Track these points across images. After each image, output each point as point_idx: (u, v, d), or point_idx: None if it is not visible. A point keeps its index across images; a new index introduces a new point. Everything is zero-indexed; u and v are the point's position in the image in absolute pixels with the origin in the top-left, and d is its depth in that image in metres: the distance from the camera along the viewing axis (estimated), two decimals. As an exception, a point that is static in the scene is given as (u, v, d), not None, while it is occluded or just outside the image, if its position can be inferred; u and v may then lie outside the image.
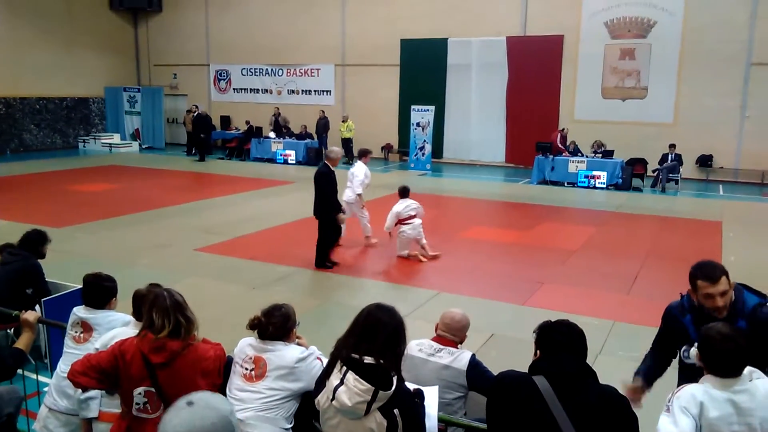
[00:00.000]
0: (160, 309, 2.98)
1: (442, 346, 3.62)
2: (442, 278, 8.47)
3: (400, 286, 8.12)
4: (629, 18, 18.48)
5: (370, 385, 2.59)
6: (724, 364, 2.61)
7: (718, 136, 17.73)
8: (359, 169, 9.77)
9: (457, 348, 3.67)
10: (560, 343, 2.69)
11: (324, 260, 8.71)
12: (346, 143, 20.66)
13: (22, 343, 3.57)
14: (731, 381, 2.58)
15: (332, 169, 8.55)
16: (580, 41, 19.06)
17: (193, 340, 3.02)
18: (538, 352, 2.73)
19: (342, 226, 9.20)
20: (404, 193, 9.49)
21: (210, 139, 21.61)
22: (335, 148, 8.91)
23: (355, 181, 9.69)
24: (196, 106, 22.12)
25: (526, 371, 2.69)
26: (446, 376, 3.49)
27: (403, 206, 9.27)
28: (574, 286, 8.14)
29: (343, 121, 20.74)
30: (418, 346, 3.66)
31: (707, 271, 3.11)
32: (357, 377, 2.61)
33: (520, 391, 2.56)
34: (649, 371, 3.48)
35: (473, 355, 3.60)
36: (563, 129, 18.20)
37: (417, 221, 9.18)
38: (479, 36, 20.19)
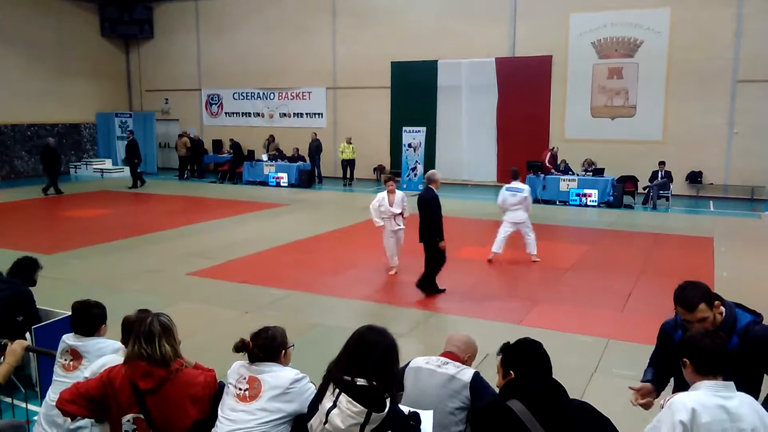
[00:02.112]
0: (141, 336, 2.96)
1: (449, 360, 3.59)
2: (436, 299, 8.44)
3: (393, 307, 8.09)
4: (616, 38, 18.73)
5: (363, 408, 2.57)
6: (711, 360, 2.66)
7: (706, 153, 17.90)
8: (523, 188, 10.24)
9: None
10: (534, 362, 2.68)
11: (434, 286, 8.51)
12: (348, 164, 20.72)
13: (0, 374, 3.50)
14: (721, 386, 2.62)
15: (437, 192, 8.56)
16: (569, 61, 19.29)
17: (179, 365, 2.98)
18: (511, 372, 2.70)
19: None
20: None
21: (137, 167, 20.19)
22: (436, 171, 8.96)
23: (528, 200, 10.22)
24: (131, 131, 21.76)
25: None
26: (451, 386, 3.44)
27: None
28: (568, 305, 8.14)
29: (348, 143, 20.84)
30: (426, 359, 3.62)
31: (685, 299, 3.17)
32: (350, 399, 2.59)
33: (499, 421, 2.51)
34: (654, 378, 3.49)
35: (477, 372, 3.56)
36: (553, 148, 18.34)
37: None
38: (469, 58, 20.41)
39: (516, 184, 10.48)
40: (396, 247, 9.61)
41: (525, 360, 2.70)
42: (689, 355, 2.72)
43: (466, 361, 3.63)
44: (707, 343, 2.70)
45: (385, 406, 2.61)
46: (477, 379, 3.45)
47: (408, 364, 3.52)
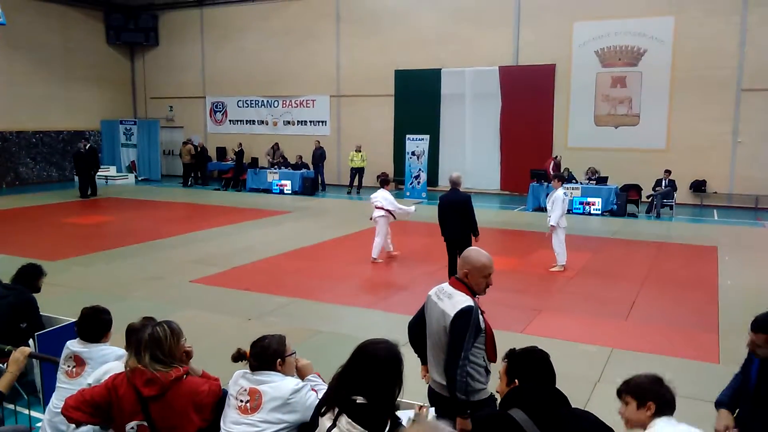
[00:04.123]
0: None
1: (451, 290, 3.51)
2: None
3: (396, 315, 8.05)
4: (619, 47, 18.75)
5: (362, 429, 2.55)
6: (672, 402, 2.67)
7: (710, 162, 17.87)
8: (559, 193, 10.31)
9: (468, 294, 3.46)
10: (539, 372, 2.66)
11: None
12: (357, 172, 20.73)
13: (3, 383, 3.50)
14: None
15: None
16: (572, 70, 19.31)
17: (179, 373, 2.99)
18: (515, 380, 2.69)
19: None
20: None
21: (95, 176, 20.18)
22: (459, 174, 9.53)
23: (561, 205, 10.19)
24: (86, 140, 21.47)
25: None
26: (442, 322, 3.43)
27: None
28: (571, 313, 8.11)
29: (357, 151, 20.83)
30: (436, 289, 3.63)
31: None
32: (349, 420, 2.56)
33: (501, 430, 2.50)
34: (733, 394, 3.34)
35: (468, 307, 3.37)
36: (556, 156, 18.32)
37: None
38: (472, 66, 20.45)
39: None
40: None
41: (530, 369, 2.69)
42: (654, 399, 2.67)
43: (465, 278, 3.50)
44: (666, 390, 2.70)
45: (385, 426, 2.59)
46: (460, 314, 3.35)
47: None
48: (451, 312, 3.39)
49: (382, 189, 11.04)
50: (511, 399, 2.60)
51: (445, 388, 3.40)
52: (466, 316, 3.34)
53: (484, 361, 3.47)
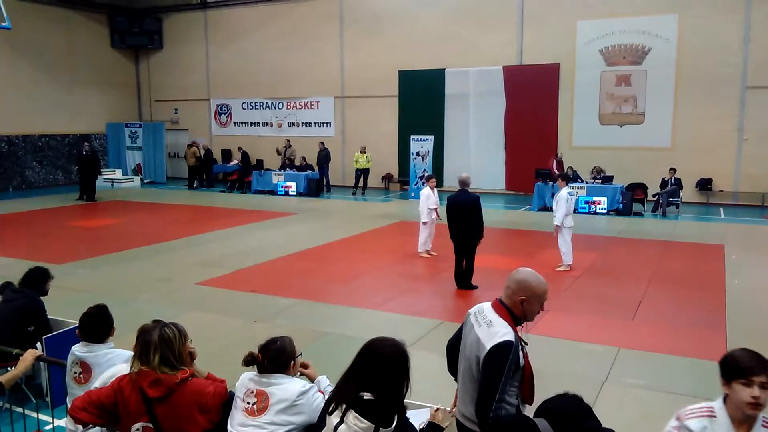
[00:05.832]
0: (139, 348, 3.03)
1: (492, 316, 3.08)
2: (445, 307, 8.43)
3: (402, 315, 8.07)
4: (624, 45, 18.71)
5: (370, 423, 2.55)
6: None
7: (716, 160, 17.82)
8: (564, 193, 10.26)
9: (511, 324, 3.03)
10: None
11: (471, 282, 9.22)
12: (362, 173, 20.79)
13: (5, 377, 3.55)
14: None
15: None
16: (576, 69, 19.28)
17: (184, 375, 3.00)
18: None
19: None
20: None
21: (91, 180, 19.80)
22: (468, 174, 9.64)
23: (566, 205, 10.14)
24: (87, 143, 21.44)
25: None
26: (475, 350, 3.04)
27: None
28: (577, 313, 8.09)
29: (361, 152, 20.86)
30: (476, 308, 3.23)
31: None
32: (357, 415, 2.58)
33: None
34: None
35: (507, 342, 2.93)
36: (558, 154, 18.30)
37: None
38: (476, 66, 20.44)
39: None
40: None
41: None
42: None
43: (518, 306, 3.08)
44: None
45: (393, 421, 2.60)
46: (493, 351, 2.95)
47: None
48: (487, 344, 2.99)
49: (426, 187, 11.58)
50: (537, 411, 2.59)
51: (474, 422, 3.09)
52: (503, 352, 2.92)
53: (517, 399, 3.03)
